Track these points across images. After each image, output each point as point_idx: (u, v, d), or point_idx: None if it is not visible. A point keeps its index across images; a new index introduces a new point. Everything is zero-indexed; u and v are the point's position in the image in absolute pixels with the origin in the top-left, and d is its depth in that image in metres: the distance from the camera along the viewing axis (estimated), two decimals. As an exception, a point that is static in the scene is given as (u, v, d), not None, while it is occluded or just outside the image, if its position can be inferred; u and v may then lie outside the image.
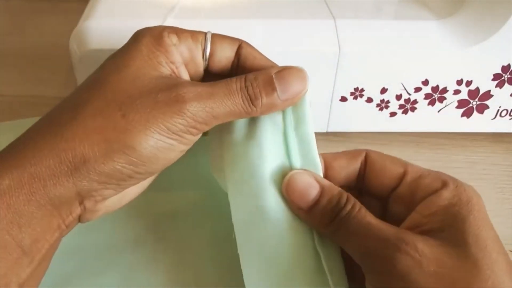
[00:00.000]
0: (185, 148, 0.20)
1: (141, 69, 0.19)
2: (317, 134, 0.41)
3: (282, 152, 0.22)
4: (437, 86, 0.34)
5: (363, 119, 0.36)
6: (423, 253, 0.17)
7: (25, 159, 0.17)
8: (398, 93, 0.34)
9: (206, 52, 0.21)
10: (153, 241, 0.28)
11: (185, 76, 0.21)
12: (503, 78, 0.33)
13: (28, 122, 0.20)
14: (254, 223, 0.21)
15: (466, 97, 0.35)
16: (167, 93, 0.18)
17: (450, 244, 0.18)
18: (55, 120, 0.19)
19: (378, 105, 0.35)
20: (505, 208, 0.34)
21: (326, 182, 0.21)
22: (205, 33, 0.22)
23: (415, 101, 0.35)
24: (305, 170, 0.22)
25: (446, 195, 0.20)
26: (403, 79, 0.33)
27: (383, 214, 0.23)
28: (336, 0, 0.36)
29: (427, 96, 0.34)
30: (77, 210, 0.19)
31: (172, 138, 0.19)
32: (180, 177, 0.31)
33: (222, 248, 0.27)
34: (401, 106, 0.35)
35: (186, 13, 0.33)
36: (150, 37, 0.20)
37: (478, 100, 0.35)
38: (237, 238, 0.22)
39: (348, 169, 0.23)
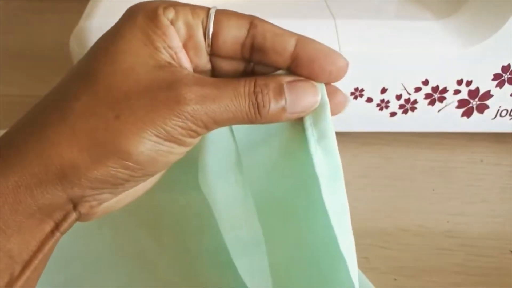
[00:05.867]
0: (185, 150, 0.19)
1: (136, 57, 0.17)
2: (317, 134, 0.42)
3: (305, 160, 0.20)
4: (437, 86, 0.34)
5: (363, 119, 0.36)
6: None
7: (7, 167, 0.16)
8: (398, 93, 0.34)
9: (208, 31, 0.18)
10: (154, 247, 0.28)
11: (186, 62, 0.19)
12: (503, 78, 0.33)
13: None
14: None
15: (466, 97, 0.35)
16: (167, 93, 0.17)
17: None
18: (39, 120, 0.17)
19: (378, 105, 0.35)
20: (505, 208, 0.34)
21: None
22: (209, 9, 0.19)
23: (415, 101, 0.35)
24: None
25: None
26: (403, 79, 0.33)
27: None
28: (336, 0, 0.36)
29: (427, 96, 0.34)
30: (72, 216, 0.18)
31: (171, 141, 0.17)
32: (183, 178, 0.30)
33: (222, 255, 0.27)
34: (401, 106, 0.35)
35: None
36: (144, 17, 0.18)
37: (478, 100, 0.35)
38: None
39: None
